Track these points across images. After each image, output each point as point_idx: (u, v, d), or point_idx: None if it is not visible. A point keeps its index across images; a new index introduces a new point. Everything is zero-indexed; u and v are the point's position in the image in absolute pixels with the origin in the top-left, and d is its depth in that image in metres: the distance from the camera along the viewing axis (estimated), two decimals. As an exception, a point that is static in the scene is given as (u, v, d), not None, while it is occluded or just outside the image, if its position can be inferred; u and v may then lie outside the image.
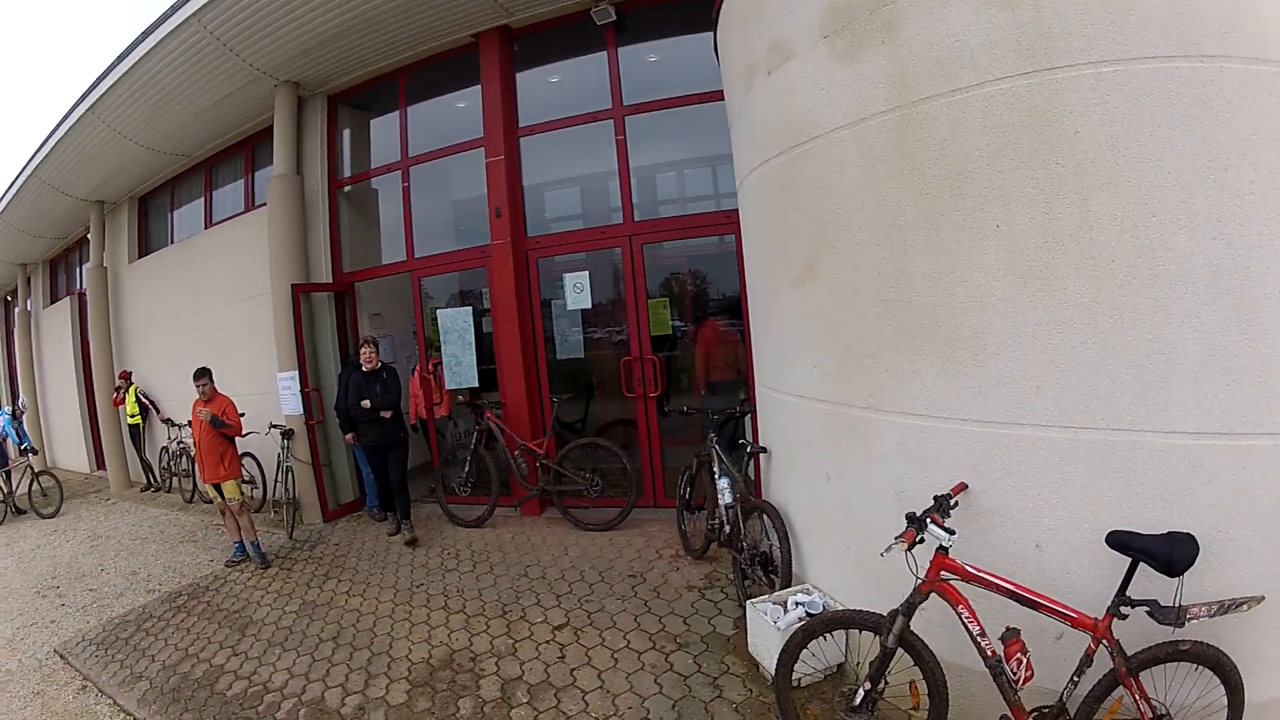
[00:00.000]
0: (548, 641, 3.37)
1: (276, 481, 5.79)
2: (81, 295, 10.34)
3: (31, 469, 8.37)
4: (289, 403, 5.77)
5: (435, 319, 5.79)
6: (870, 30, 2.37)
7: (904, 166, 2.29)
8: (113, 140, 7.27)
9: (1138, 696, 1.93)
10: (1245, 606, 1.87)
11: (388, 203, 6.25)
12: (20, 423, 8.78)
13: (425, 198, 5.99)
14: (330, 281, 6.18)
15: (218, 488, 4.88)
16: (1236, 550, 1.97)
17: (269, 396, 5.98)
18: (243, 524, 4.96)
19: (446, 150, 5.68)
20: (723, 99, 3.81)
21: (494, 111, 5.26)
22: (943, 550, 2.04)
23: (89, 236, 9.64)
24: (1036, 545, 2.12)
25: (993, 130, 2.12)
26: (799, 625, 2.39)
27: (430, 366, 5.84)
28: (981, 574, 2.04)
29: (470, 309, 5.59)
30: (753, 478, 4.06)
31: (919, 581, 2.05)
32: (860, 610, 2.24)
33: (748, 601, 3.00)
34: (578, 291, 5.04)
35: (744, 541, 3.39)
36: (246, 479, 6.12)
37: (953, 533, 2.02)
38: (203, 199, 8.08)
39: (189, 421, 5.30)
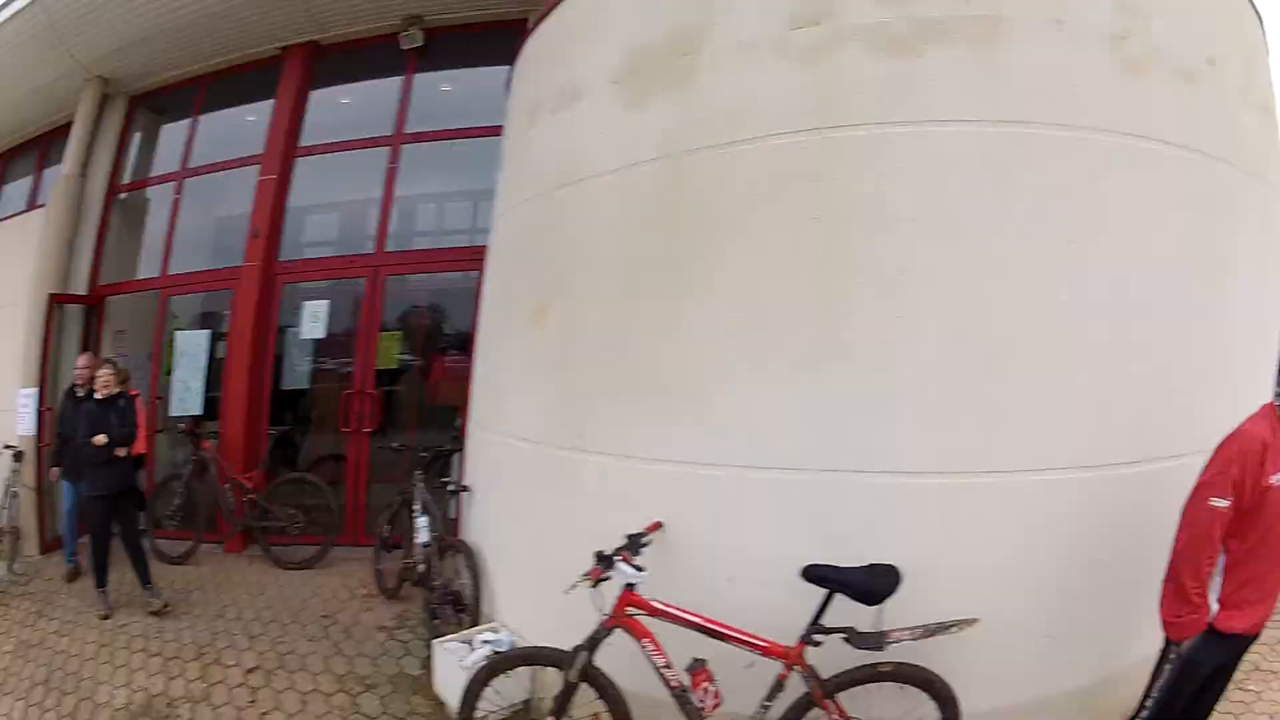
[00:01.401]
0: (240, 685, 4.18)
1: (3, 508, 6.87)
2: None
3: None
4: (24, 422, 6.95)
5: (173, 340, 7.10)
6: (663, 79, 3.16)
7: (658, 214, 3.11)
8: None
9: (835, 716, 2.59)
10: (955, 629, 2.52)
11: (157, 214, 7.70)
12: None
13: (195, 212, 7.40)
14: (85, 294, 7.53)
15: None
16: (949, 579, 2.71)
17: (7, 415, 7.15)
18: None
19: (224, 165, 7.12)
20: (498, 135, 4.97)
21: (279, 128, 6.63)
22: (630, 587, 2.69)
23: None
24: (729, 579, 2.88)
25: (755, 183, 2.90)
26: (483, 664, 3.07)
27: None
28: (668, 609, 2.68)
29: (209, 332, 6.89)
30: (454, 516, 5.09)
31: (605, 617, 2.68)
32: (544, 647, 2.91)
33: (434, 641, 3.76)
34: (314, 321, 6.38)
35: (436, 581, 4.31)
36: None
37: (642, 570, 2.69)
38: None
39: None
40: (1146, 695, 2.63)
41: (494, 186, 4.86)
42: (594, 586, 2.69)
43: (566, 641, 2.87)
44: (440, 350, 6.89)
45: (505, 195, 4.57)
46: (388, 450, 5.74)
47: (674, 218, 3.14)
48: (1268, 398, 2.75)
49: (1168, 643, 2.60)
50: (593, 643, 2.76)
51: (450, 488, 4.74)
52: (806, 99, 2.92)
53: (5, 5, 7.01)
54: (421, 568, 4.62)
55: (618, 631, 2.75)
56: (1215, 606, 2.47)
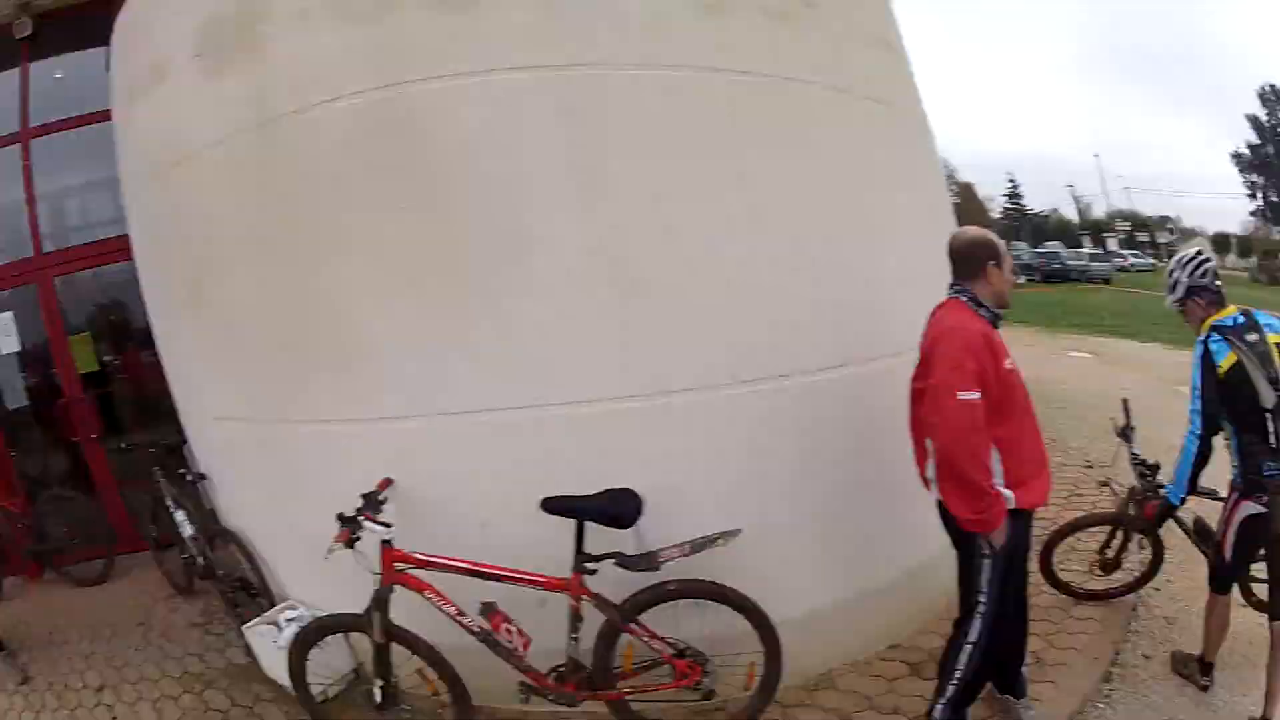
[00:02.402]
0: (96, 705, 4.48)
1: None
2: None
3: None
4: None
5: None
6: (236, 49, 3.45)
7: (267, 181, 3.42)
8: None
9: (645, 639, 2.90)
10: (721, 542, 2.86)
11: None
12: None
13: None
14: None
15: None
16: (700, 494, 3.21)
17: None
18: None
19: None
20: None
21: None
22: (387, 544, 2.96)
23: None
24: (482, 524, 3.23)
25: (349, 143, 3.21)
26: (295, 635, 3.39)
27: None
28: (434, 559, 2.97)
29: None
30: (211, 506, 5.33)
31: (378, 576, 2.95)
32: (340, 614, 3.21)
33: (244, 628, 4.10)
34: (6, 335, 6.66)
35: (220, 571, 4.69)
36: None
37: (389, 525, 2.96)
38: None
39: None
40: (971, 595, 2.85)
41: None
42: (349, 548, 2.92)
43: (350, 603, 3.21)
44: (134, 344, 7.14)
45: (127, 180, 4.76)
46: (120, 451, 6.20)
47: (282, 184, 3.44)
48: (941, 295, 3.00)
49: (963, 542, 2.87)
50: (379, 602, 2.99)
51: (189, 478, 5.03)
52: (373, 58, 3.26)
53: None
54: (200, 561, 4.98)
55: (398, 589, 3.02)
56: (1007, 492, 2.72)
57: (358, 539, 2.96)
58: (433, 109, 3.19)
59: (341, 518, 2.99)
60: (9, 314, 6.65)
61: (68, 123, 6.46)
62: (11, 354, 6.81)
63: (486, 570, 3.00)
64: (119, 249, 6.31)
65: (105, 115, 5.95)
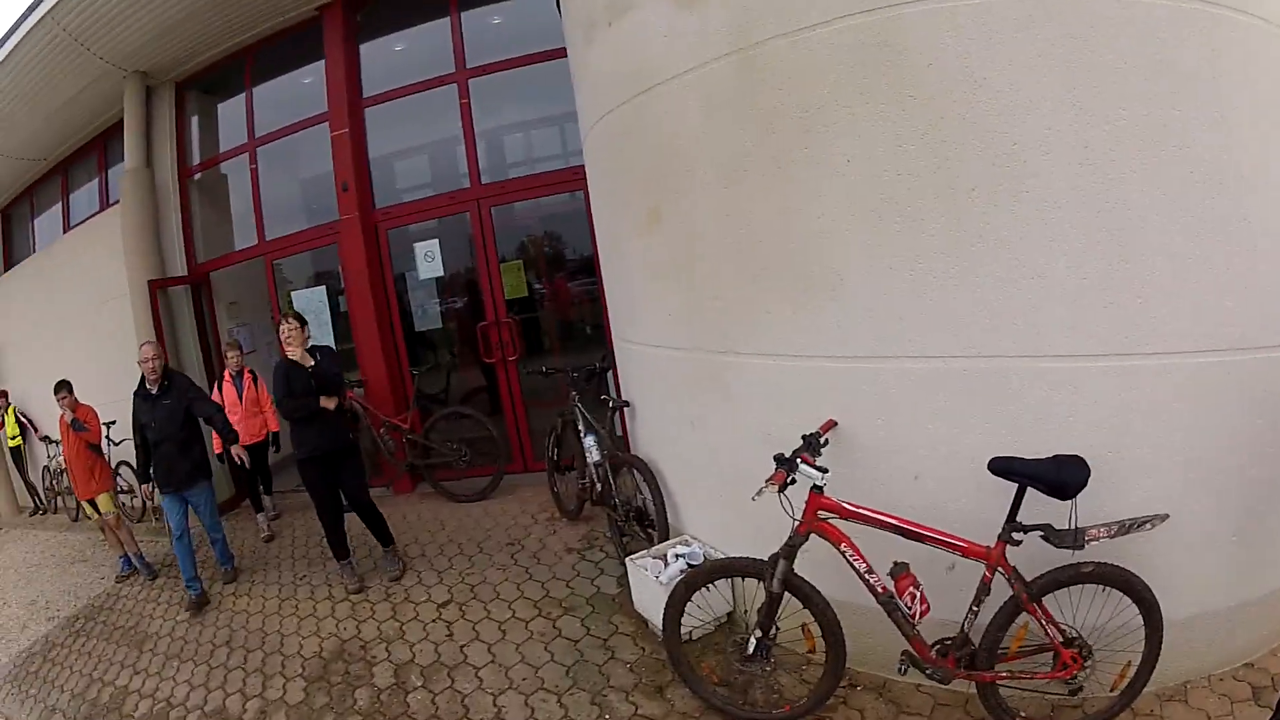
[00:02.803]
0: (434, 620, 4.71)
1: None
2: None
3: None
4: None
5: (290, 301, 8.20)
6: None
7: (743, 108, 3.29)
8: None
9: (1043, 622, 2.66)
10: (1149, 525, 2.58)
11: (238, 187, 8.78)
12: None
13: (275, 179, 8.45)
14: (185, 274, 8.83)
15: (92, 503, 6.86)
16: (1132, 470, 2.81)
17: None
18: (122, 537, 6.89)
19: (291, 128, 8.06)
20: (565, 55, 5.41)
21: (337, 84, 7.49)
22: (817, 490, 2.80)
23: None
24: (915, 477, 3.03)
25: (838, 69, 3.01)
26: (680, 579, 3.30)
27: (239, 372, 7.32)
28: (860, 510, 2.79)
29: (324, 288, 8.04)
30: (620, 433, 5.54)
31: (796, 523, 2.82)
32: (740, 557, 3.13)
33: (627, 558, 4.12)
34: (429, 260, 7.36)
35: (617, 498, 4.74)
36: (123, 489, 8.89)
37: (825, 471, 2.78)
38: (60, 202, 11.16)
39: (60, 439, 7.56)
40: None
41: (573, 108, 5.37)
42: (780, 492, 2.79)
43: (760, 549, 3.11)
44: (563, 273, 7.80)
45: (585, 113, 4.82)
46: (538, 375, 6.35)
47: (761, 111, 3.29)
48: None
49: None
50: (789, 550, 2.91)
51: (611, 404, 5.15)
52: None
53: (15, 28, 8.10)
54: (599, 487, 5.05)
55: (813, 537, 2.90)
56: None
57: (792, 482, 2.85)
58: (926, 35, 2.95)
59: (780, 459, 2.89)
60: (434, 241, 7.40)
61: (503, 64, 7.09)
62: (431, 279, 7.55)
63: (912, 528, 2.81)
64: (553, 182, 7.14)
65: (541, 56, 6.96)
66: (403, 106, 7.70)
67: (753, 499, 2.82)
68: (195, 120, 9.28)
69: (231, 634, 5.43)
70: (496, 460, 6.87)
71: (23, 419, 12.04)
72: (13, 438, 12.06)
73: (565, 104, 6.19)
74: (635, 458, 4.73)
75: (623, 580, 4.62)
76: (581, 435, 5.27)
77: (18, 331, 12.27)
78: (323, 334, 7.71)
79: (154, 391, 5.75)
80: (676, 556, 4.03)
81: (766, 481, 2.82)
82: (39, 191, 11.89)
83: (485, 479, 6.96)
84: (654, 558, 4.12)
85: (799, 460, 2.87)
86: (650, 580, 3.95)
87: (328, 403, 5.36)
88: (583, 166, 5.82)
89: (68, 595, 7.71)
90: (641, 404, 4.79)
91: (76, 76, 8.65)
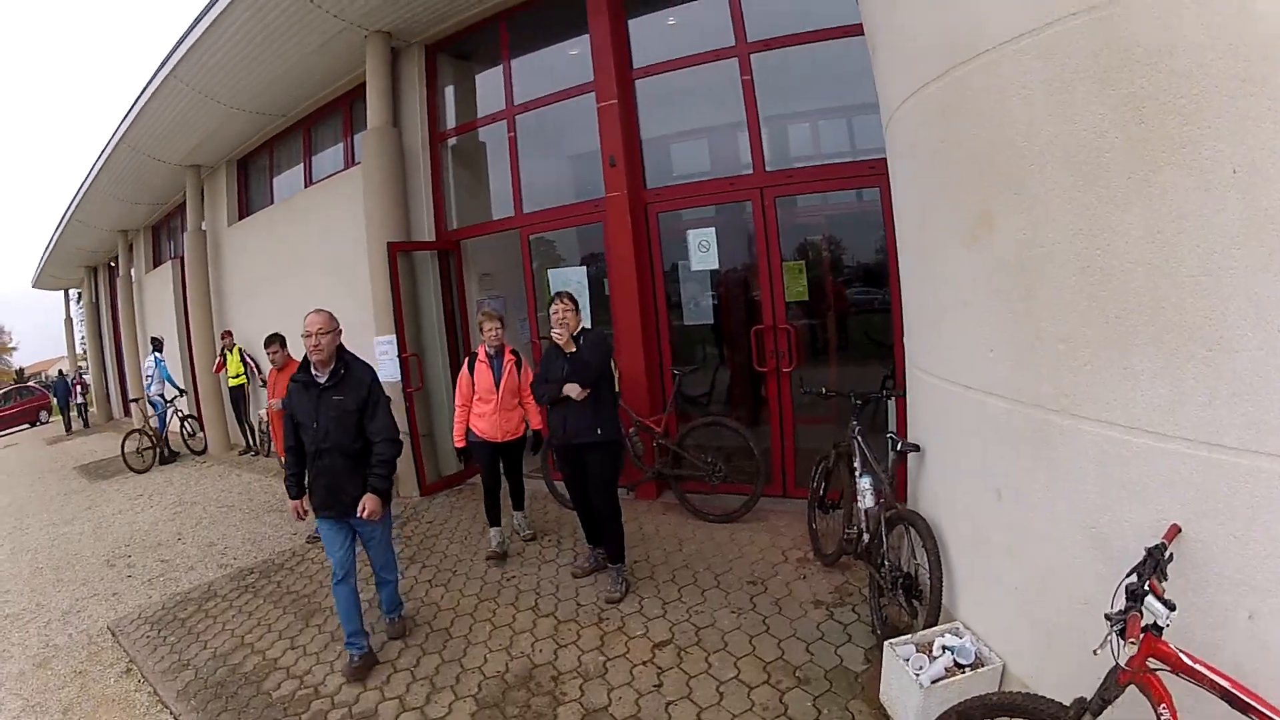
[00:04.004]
0: (645, 663, 4.52)
1: None
2: (183, 260, 15.85)
3: (179, 412, 14.97)
4: (385, 368, 8.94)
5: (548, 279, 8.62)
6: None
7: (1107, 85, 2.69)
8: (199, 103, 11.51)
9: None
10: None
11: (495, 156, 9.36)
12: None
13: (535, 150, 8.91)
14: (432, 240, 9.54)
15: None
16: None
17: (368, 361, 9.33)
18: None
19: (554, 97, 8.46)
20: (859, 34, 5.24)
21: (604, 52, 7.75)
22: (1155, 630, 2.33)
23: (186, 201, 15.05)
24: (1249, 616, 2.49)
25: (1234, 37, 2.34)
26: (950, 709, 2.92)
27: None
28: (1198, 665, 2.30)
29: (584, 269, 8.37)
30: (894, 478, 5.10)
31: (1118, 669, 2.36)
32: (1035, 696, 2.73)
33: (886, 643, 3.85)
34: (703, 250, 7.46)
35: (886, 557, 4.45)
36: None
37: (1173, 608, 2.30)
38: (302, 158, 12.45)
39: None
40: None
41: (864, 97, 5.12)
42: (1132, 643, 2.34)
43: (1047, 666, 2.90)
44: (846, 280, 7.60)
45: (888, 90, 4.46)
46: (814, 395, 5.91)
47: (1130, 90, 2.65)
48: None
49: None
50: (1100, 704, 2.48)
51: (898, 447, 4.76)
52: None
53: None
54: (866, 539, 4.80)
55: (1130, 690, 2.45)
56: None
57: (1150, 629, 2.36)
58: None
59: (1131, 592, 2.40)
60: (710, 230, 7.42)
61: (790, 39, 6.94)
62: (704, 271, 7.58)
63: (1249, 699, 2.22)
64: (844, 175, 6.97)
65: (832, 33, 6.72)
66: (676, 80, 7.76)
67: (1094, 652, 2.38)
68: (450, 85, 9.99)
69: (413, 626, 5.52)
70: (754, 480, 6.78)
71: (249, 360, 13.67)
72: (235, 376, 13.71)
73: (854, 91, 6.16)
74: (917, 515, 4.34)
75: (872, 655, 4.37)
76: (856, 474, 5.00)
77: (247, 278, 13.84)
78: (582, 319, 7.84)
79: (321, 379, 4.80)
80: (944, 649, 3.71)
81: (1115, 627, 2.35)
82: (280, 146, 13.30)
83: (738, 499, 6.93)
84: (916, 646, 3.81)
85: (1147, 587, 2.39)
86: (908, 676, 3.62)
87: (570, 391, 5.39)
88: (876, 160, 5.74)
89: (249, 545, 8.34)
90: (933, 451, 4.42)
91: (308, 33, 9.38)
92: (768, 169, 7.17)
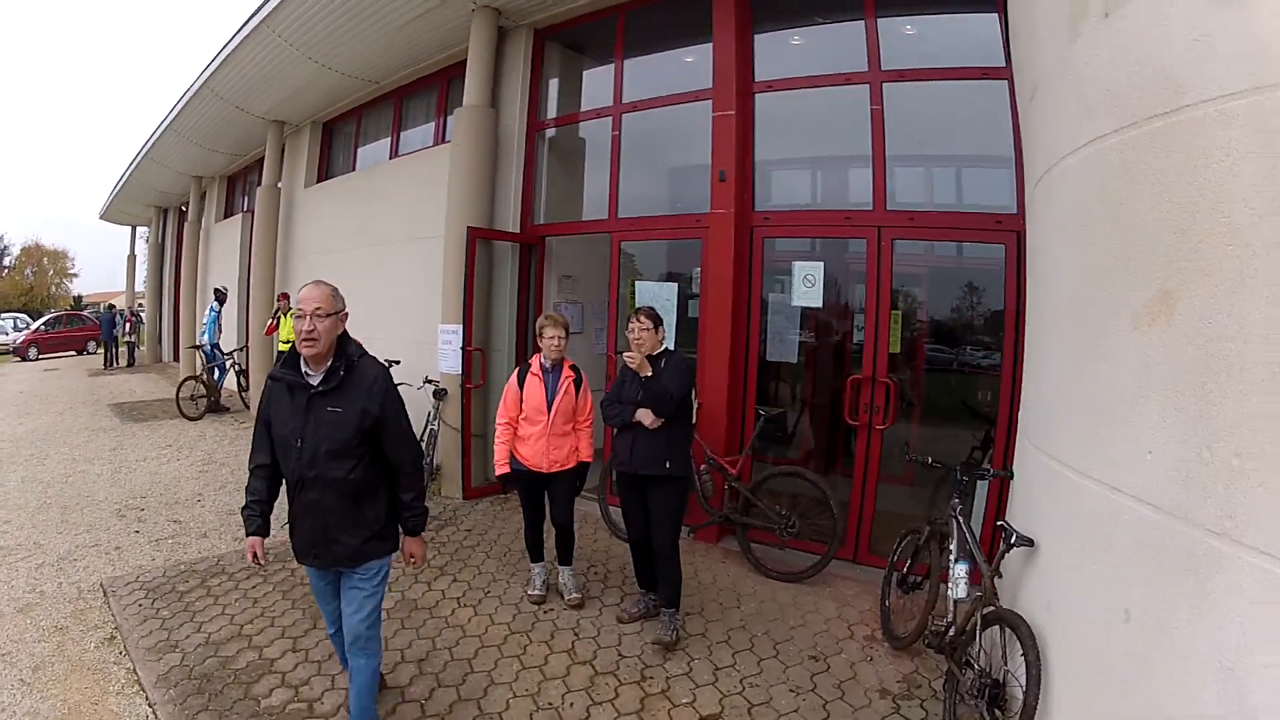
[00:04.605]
0: None
1: (422, 442, 8.76)
2: (254, 214, 16.00)
3: (236, 365, 15.53)
4: (447, 359, 8.83)
5: (634, 291, 8.32)
6: None
7: None
8: (290, 57, 11.45)
9: None
10: None
11: (595, 154, 9.12)
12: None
13: (638, 154, 8.63)
14: (516, 231, 9.31)
15: None
16: None
17: (431, 348, 9.16)
18: None
19: (667, 100, 8.19)
20: (997, 78, 5.15)
21: (726, 59, 7.44)
22: None
23: (266, 155, 15.12)
24: None
25: None
26: None
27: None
28: None
29: (675, 285, 8.01)
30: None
31: None
32: None
33: None
34: (808, 285, 7.05)
35: (976, 659, 4.10)
36: None
37: None
38: (391, 130, 12.33)
39: None
40: None
41: (991, 143, 4.99)
42: None
43: None
44: (938, 337, 7.35)
45: (1051, 137, 4.18)
46: (916, 464, 5.53)
47: None
48: None
49: None
50: None
51: (1011, 539, 4.26)
52: None
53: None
54: (952, 632, 4.46)
55: None
56: None
57: None
58: None
59: None
60: (819, 264, 7.03)
61: (929, 73, 6.67)
62: (804, 307, 7.23)
63: None
64: (968, 226, 6.58)
65: (964, 73, 6.49)
66: (798, 100, 7.45)
67: None
68: (555, 74, 9.78)
69: (431, 650, 5.16)
70: (827, 540, 6.42)
71: None
72: (285, 341, 13.56)
73: (981, 139, 6.18)
74: (1021, 620, 3.91)
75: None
76: (951, 558, 4.66)
77: (317, 243, 13.83)
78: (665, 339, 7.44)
79: (314, 380, 3.61)
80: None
81: None
82: (369, 114, 13.26)
83: (806, 558, 6.61)
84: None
85: None
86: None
87: (643, 418, 5.15)
88: (1004, 215, 5.65)
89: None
90: (1048, 549, 4.03)
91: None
92: (889, 207, 6.79)
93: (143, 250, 31.39)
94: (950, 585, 4.57)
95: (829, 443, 7.51)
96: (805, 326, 7.49)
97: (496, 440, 5.87)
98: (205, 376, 15.25)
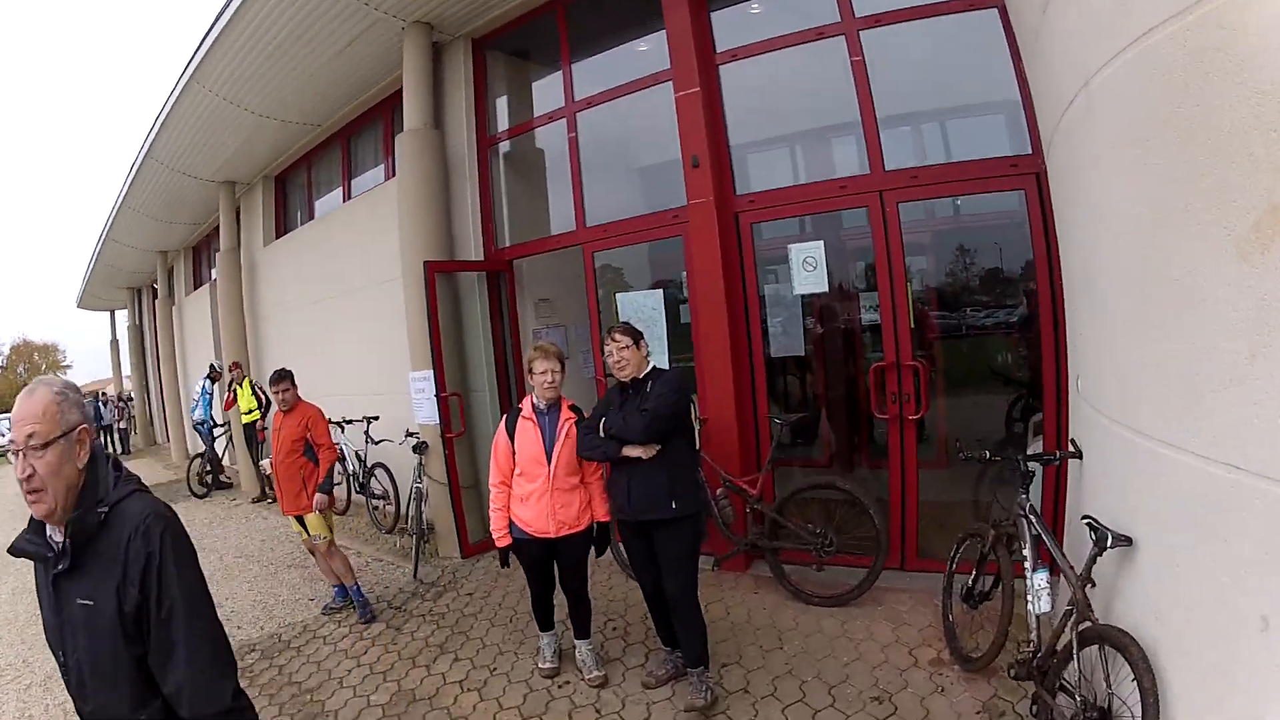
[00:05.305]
0: None
1: (410, 501, 8.32)
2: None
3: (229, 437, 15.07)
4: (423, 409, 8.20)
5: (616, 305, 7.49)
6: None
7: None
8: (226, 111, 10.99)
9: None
10: None
11: (555, 162, 8.49)
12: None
13: (601, 157, 8.01)
14: (480, 259, 8.68)
15: (300, 520, 6.67)
16: None
17: (408, 398, 8.50)
18: (335, 568, 6.78)
19: (623, 89, 7.55)
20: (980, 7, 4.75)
21: (682, 33, 6.84)
22: None
23: (220, 219, 14.66)
24: None
25: None
26: None
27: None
28: None
29: (660, 292, 7.35)
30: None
31: None
32: None
33: None
34: (808, 269, 6.36)
35: (1070, 685, 3.55)
36: (379, 494, 9.39)
37: None
38: (341, 172, 11.83)
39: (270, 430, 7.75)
40: None
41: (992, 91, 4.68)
42: None
43: None
44: (972, 304, 6.78)
45: (1070, 60, 3.74)
46: (968, 459, 4.73)
47: None
48: None
49: None
50: None
51: (1106, 541, 3.56)
52: None
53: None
54: (1040, 653, 3.91)
55: None
56: None
57: None
58: None
59: None
60: (818, 244, 6.37)
61: (910, 12, 6.00)
62: (808, 294, 6.61)
63: None
64: (980, 175, 5.83)
65: (951, 6, 5.81)
66: (770, 67, 6.78)
67: None
68: (503, 85, 9.22)
69: None
70: (870, 552, 5.79)
71: (261, 394, 13.08)
72: (246, 412, 13.17)
73: (981, 80, 5.76)
74: (1128, 638, 3.31)
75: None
76: (1028, 568, 3.98)
77: (281, 302, 13.37)
78: (654, 353, 6.56)
79: (55, 547, 2.26)
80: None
81: None
82: (318, 160, 12.76)
83: (849, 574, 5.94)
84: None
85: None
86: None
87: (633, 451, 4.53)
88: (1019, 158, 5.28)
89: (259, 610, 7.60)
90: (1151, 548, 3.41)
91: (339, 26, 8.64)
92: (887, 168, 6.11)
93: (125, 334, 31.12)
94: (1030, 599, 3.93)
95: (851, 438, 6.92)
96: (809, 315, 6.86)
97: (491, 507, 5.08)
98: (208, 454, 15.23)
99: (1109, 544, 3.57)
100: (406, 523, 8.63)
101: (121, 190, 15.96)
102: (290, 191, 13.98)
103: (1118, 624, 3.51)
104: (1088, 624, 3.59)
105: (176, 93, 10.80)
